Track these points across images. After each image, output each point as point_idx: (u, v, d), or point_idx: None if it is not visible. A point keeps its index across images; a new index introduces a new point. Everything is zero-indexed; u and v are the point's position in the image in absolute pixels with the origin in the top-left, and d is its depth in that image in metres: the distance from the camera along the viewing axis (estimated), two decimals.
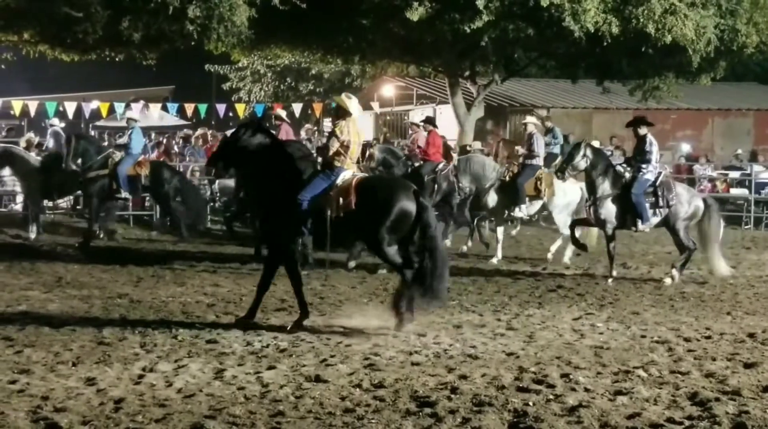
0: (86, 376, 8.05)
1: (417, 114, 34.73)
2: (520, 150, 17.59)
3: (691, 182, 26.14)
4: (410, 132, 18.44)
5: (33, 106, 27.80)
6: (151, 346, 9.30)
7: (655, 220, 14.41)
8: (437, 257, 10.18)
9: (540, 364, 8.60)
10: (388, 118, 37.42)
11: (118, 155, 18.07)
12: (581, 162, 14.39)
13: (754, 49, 24.81)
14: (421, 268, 10.11)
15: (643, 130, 14.54)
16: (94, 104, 29.27)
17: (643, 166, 14.34)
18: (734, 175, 25.90)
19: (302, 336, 9.83)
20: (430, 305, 10.39)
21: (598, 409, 7.05)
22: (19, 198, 21.71)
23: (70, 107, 26.99)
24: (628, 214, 14.33)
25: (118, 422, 6.78)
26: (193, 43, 22.09)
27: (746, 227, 23.21)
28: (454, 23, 22.49)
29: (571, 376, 8.11)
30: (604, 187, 14.34)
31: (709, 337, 9.99)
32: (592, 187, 14.53)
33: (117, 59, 26.35)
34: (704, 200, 14.78)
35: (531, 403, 7.25)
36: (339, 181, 10.29)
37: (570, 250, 16.07)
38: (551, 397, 7.46)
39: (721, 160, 30.10)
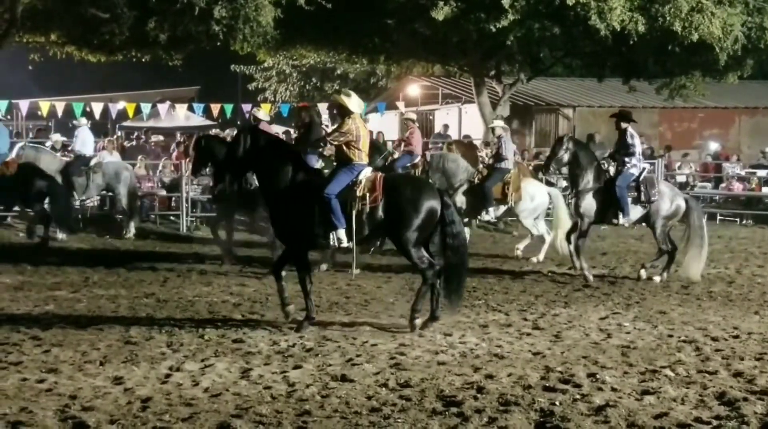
0: (113, 376, 8.09)
1: (442, 113, 34.73)
2: (485, 151, 17.55)
3: (719, 181, 26.04)
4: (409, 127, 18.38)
5: (60, 107, 27.95)
6: (177, 346, 9.33)
7: (636, 215, 14.33)
8: (463, 256, 10.20)
9: (566, 364, 8.56)
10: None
11: None
12: (564, 156, 14.35)
13: None
14: (448, 266, 10.13)
15: (624, 124, 14.50)
16: (121, 105, 29.41)
17: (627, 159, 14.27)
18: (762, 173, 25.69)
19: (328, 335, 9.84)
20: (453, 305, 10.38)
21: (625, 409, 7.01)
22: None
23: (97, 108, 27.12)
24: (610, 207, 14.23)
25: (145, 421, 6.81)
26: (218, 44, 22.19)
27: None
28: (480, 22, 22.48)
29: (597, 376, 8.07)
30: (587, 180, 14.26)
31: (736, 337, 9.92)
32: (574, 180, 14.50)
33: (143, 60, 26.53)
34: (686, 200, 14.66)
35: (557, 403, 7.22)
36: (361, 177, 10.26)
37: (545, 249, 15.99)
38: (578, 396, 7.43)
39: (748, 158, 29.88)
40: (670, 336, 9.95)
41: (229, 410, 7.08)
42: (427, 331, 10.00)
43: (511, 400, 7.30)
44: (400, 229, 10.10)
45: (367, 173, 10.34)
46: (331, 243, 10.33)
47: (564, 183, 16.94)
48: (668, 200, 14.36)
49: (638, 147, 14.49)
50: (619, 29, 21.99)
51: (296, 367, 8.42)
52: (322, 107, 30.31)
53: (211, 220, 17.74)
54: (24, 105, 27.40)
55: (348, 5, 22.38)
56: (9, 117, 30.81)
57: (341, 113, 10.59)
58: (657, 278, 14.03)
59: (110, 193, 20.77)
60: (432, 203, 10.09)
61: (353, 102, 10.50)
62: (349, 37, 25.94)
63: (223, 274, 14.56)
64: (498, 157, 16.81)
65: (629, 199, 14.16)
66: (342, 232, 10.18)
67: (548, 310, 11.55)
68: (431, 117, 36.24)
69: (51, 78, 34.43)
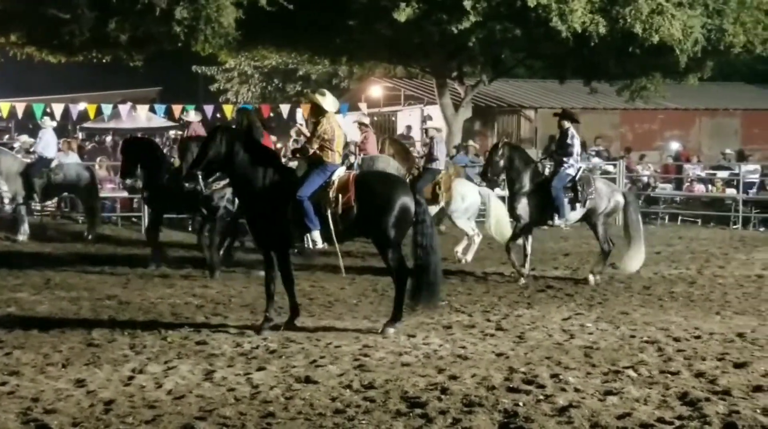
0: (76, 378, 8.04)
1: (404, 114, 34.79)
2: (418, 151, 17.61)
3: (680, 182, 26.27)
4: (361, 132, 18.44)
5: (20, 107, 27.68)
6: (140, 348, 9.29)
7: (574, 216, 14.42)
8: (434, 255, 10.23)
9: (530, 365, 8.60)
10: (375, 118, 37.39)
11: None
12: (500, 161, 14.50)
13: (741, 48, 24.90)
14: (419, 266, 10.16)
15: (566, 124, 14.64)
16: (82, 106, 29.16)
17: (565, 159, 14.37)
18: (722, 174, 25.96)
19: (292, 337, 9.83)
20: (429, 305, 10.44)
21: (588, 410, 7.06)
22: (7, 199, 21.63)
23: (58, 109, 26.84)
24: (547, 208, 14.32)
25: (108, 424, 6.77)
26: (180, 45, 22.05)
27: (734, 227, 23.27)
28: (442, 24, 22.51)
29: (561, 377, 8.11)
30: (522, 182, 14.38)
31: (698, 337, 9.99)
32: (511, 184, 14.65)
33: (104, 61, 26.33)
34: (624, 195, 14.78)
35: (521, 404, 7.25)
36: (334, 178, 10.25)
37: (473, 250, 16.07)
38: (541, 397, 7.47)
39: (708, 159, 30.17)
40: (633, 336, 10.01)
41: (193, 412, 7.06)
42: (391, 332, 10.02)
43: (475, 401, 7.33)
44: (376, 229, 10.13)
45: (340, 173, 10.33)
46: (306, 245, 10.31)
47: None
48: (605, 198, 14.41)
49: (577, 147, 14.55)
50: (580, 31, 22.09)
51: (260, 369, 8.41)
52: (285, 108, 30.37)
53: (147, 224, 17.46)
54: None
55: (310, 6, 22.32)
56: None
57: (315, 113, 10.59)
58: (591, 278, 14.07)
59: (71, 195, 20.61)
60: (405, 200, 10.09)
61: (328, 101, 10.50)
62: (311, 38, 25.86)
63: (185, 276, 14.49)
64: (430, 157, 16.94)
65: (566, 200, 14.23)
66: (317, 234, 10.17)
67: (511, 311, 11.59)
68: (394, 118, 36.27)
69: (10, 78, 34.02)
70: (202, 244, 14.90)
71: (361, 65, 31.21)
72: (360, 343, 9.54)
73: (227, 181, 12.31)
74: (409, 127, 32.15)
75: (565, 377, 8.09)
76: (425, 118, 25.33)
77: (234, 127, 12.99)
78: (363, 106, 31.39)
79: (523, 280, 14.01)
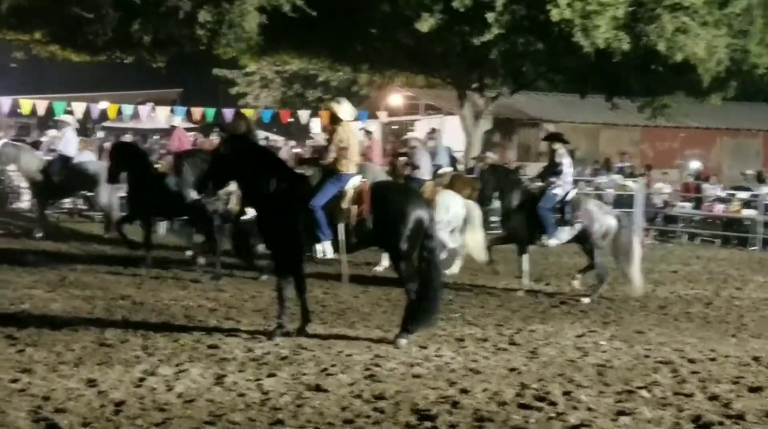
0: (87, 378, 8.01)
1: (423, 124, 34.77)
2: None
3: (699, 201, 26.14)
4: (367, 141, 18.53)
5: (41, 105, 27.83)
6: (152, 349, 9.27)
7: (565, 235, 14.44)
8: (436, 271, 10.15)
9: (542, 381, 8.54)
10: (394, 127, 37.41)
11: None
12: (490, 183, 14.95)
13: (765, 69, 24.82)
14: (421, 282, 10.03)
15: (555, 145, 14.79)
16: (103, 105, 29.32)
17: (553, 179, 14.44)
18: (742, 195, 25.80)
19: (303, 344, 9.79)
20: (424, 324, 10.24)
21: None
22: (26, 196, 21.76)
23: (79, 108, 27.03)
24: (536, 228, 14.44)
25: (118, 425, 6.75)
26: (202, 48, 22.13)
27: (753, 248, 23.12)
28: (464, 35, 22.53)
29: (573, 394, 8.05)
30: (511, 201, 14.61)
31: (713, 360, 9.90)
32: (502, 203, 14.90)
33: (126, 61, 26.46)
34: (617, 218, 14.67)
35: (532, 421, 7.20)
36: (348, 187, 10.20)
37: (458, 264, 16.00)
38: (553, 414, 7.41)
39: (728, 179, 30.02)
40: (647, 356, 9.93)
41: (203, 416, 7.03)
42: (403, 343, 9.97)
43: (486, 416, 7.27)
44: (390, 240, 10.08)
45: (355, 183, 10.25)
46: (316, 254, 10.26)
47: None
48: (596, 221, 14.33)
49: (567, 168, 14.57)
50: (603, 47, 22.06)
51: (270, 375, 8.37)
52: (303, 114, 30.42)
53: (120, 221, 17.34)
54: (6, 102, 27.26)
55: (332, 14, 22.38)
56: None
57: (331, 121, 10.55)
58: (575, 283, 14.31)
59: (88, 194, 20.67)
60: (420, 213, 10.04)
61: (344, 109, 10.43)
62: (333, 45, 25.92)
63: (199, 278, 14.48)
64: (412, 167, 17.00)
65: (553, 220, 14.29)
66: (327, 244, 10.09)
67: (525, 326, 11.53)
68: (412, 127, 36.24)
69: (33, 76, 34.25)
70: (215, 248, 14.98)
71: (382, 73, 31.21)
72: (371, 353, 9.50)
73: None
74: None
75: (578, 395, 8.02)
76: (432, 129, 25.28)
77: (231, 131, 13.05)
78: (382, 114, 31.43)
79: (520, 293, 14.19)
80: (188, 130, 31.90)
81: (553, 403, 7.73)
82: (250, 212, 14.21)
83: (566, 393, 8.10)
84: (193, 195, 14.23)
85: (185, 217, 16.14)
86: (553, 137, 15.18)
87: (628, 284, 14.23)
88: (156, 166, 16.48)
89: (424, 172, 16.98)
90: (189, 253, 15.70)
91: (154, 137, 33.44)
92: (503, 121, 32.34)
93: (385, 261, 15.60)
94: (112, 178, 16.19)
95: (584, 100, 29.83)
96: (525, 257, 14.59)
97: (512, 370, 9.04)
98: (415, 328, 10.13)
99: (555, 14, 21.34)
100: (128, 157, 15.83)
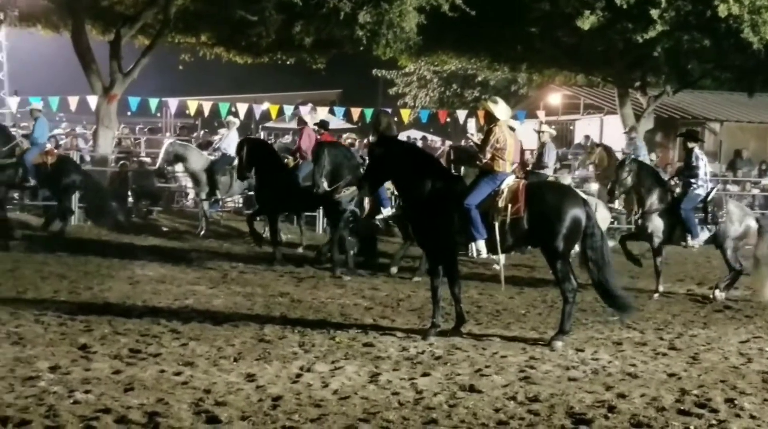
0: (246, 372, 8.22)
1: (583, 123, 34.24)
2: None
3: None
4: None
5: (207, 106, 28.69)
6: (309, 346, 9.44)
7: (705, 236, 14.08)
8: (607, 268, 10.09)
9: (703, 387, 8.30)
10: (553, 127, 36.91)
11: (25, 144, 18.51)
12: (627, 178, 14.29)
13: None
14: (594, 283, 10.16)
15: (690, 144, 14.35)
16: (265, 106, 30.00)
17: (692, 180, 14.06)
18: None
19: (457, 344, 9.79)
20: (624, 315, 10.56)
21: None
22: (191, 195, 22.44)
23: (242, 108, 27.71)
24: (677, 228, 14.08)
25: (275, 420, 6.89)
26: (361, 48, 22.37)
27: None
28: (626, 33, 22.09)
29: (736, 402, 7.80)
30: (651, 201, 14.17)
31: None
32: (640, 201, 14.41)
33: (288, 62, 26.99)
34: (758, 220, 14.24)
35: (692, 427, 7.01)
36: (503, 186, 10.15)
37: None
38: (714, 422, 7.20)
39: None
40: None
41: (357, 414, 7.11)
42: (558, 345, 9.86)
43: (644, 421, 7.12)
44: (546, 240, 10.00)
45: (509, 182, 10.20)
46: (470, 253, 10.25)
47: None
48: (737, 221, 14.07)
49: (703, 168, 14.21)
50: None
51: (425, 375, 8.40)
52: (461, 114, 30.37)
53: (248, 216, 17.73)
54: (173, 103, 28.24)
55: (491, 13, 22.28)
56: (159, 115, 31.90)
57: (487, 120, 10.50)
58: (718, 293, 13.79)
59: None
60: (576, 212, 9.93)
61: (500, 109, 10.39)
62: (491, 45, 25.83)
63: (355, 277, 14.64)
64: (539, 163, 16.62)
65: (696, 221, 13.95)
66: (482, 244, 10.07)
67: (686, 331, 11.23)
68: (572, 127, 35.79)
69: (199, 78, 35.28)
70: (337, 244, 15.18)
71: (541, 73, 30.90)
72: (526, 355, 9.43)
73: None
74: (587, 137, 31.62)
75: (741, 403, 7.77)
76: (631, 127, 24.87)
77: (373, 128, 13.11)
78: (541, 113, 31.09)
79: (656, 296, 13.87)
80: (346, 130, 32.45)
81: (714, 411, 7.52)
82: (385, 212, 14.46)
83: (728, 400, 7.86)
84: (324, 186, 14.47)
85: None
86: (689, 136, 14.72)
87: (760, 288, 13.72)
88: (285, 161, 16.73)
89: (550, 170, 16.79)
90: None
91: None
92: (665, 121, 31.54)
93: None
94: (241, 174, 16.55)
95: (752, 98, 28.82)
96: (660, 259, 14.26)
97: (672, 375, 8.82)
98: (625, 316, 10.56)
99: (722, 10, 20.72)
100: (257, 153, 16.15)
